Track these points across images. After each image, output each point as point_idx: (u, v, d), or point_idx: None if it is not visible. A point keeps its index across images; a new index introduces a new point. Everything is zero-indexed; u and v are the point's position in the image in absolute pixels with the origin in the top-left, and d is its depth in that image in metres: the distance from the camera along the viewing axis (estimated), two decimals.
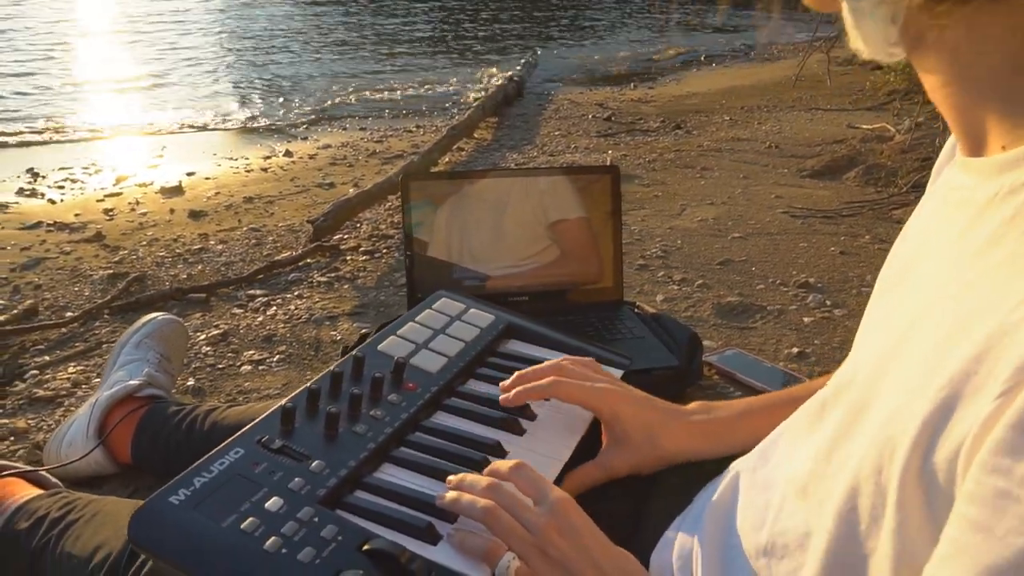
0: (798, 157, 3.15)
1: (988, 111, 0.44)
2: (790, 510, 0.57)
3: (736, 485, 0.67)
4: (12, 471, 1.07)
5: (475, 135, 3.68)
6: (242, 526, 0.63)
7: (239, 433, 0.74)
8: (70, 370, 1.54)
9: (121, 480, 1.17)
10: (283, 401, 0.78)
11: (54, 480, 1.09)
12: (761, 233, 2.25)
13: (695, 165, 3.05)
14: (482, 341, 0.98)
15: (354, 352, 0.88)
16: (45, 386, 1.48)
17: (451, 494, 0.66)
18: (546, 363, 0.84)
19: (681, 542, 0.69)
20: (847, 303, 1.73)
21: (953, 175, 0.51)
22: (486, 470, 0.68)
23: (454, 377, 0.90)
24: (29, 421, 1.35)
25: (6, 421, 1.36)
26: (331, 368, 0.85)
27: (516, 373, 0.84)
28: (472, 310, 1.04)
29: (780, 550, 0.56)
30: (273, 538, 0.62)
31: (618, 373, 0.98)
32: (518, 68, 5.12)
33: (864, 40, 0.45)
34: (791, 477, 0.58)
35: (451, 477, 0.69)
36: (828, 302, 1.78)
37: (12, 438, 1.31)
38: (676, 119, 3.96)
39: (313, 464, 0.72)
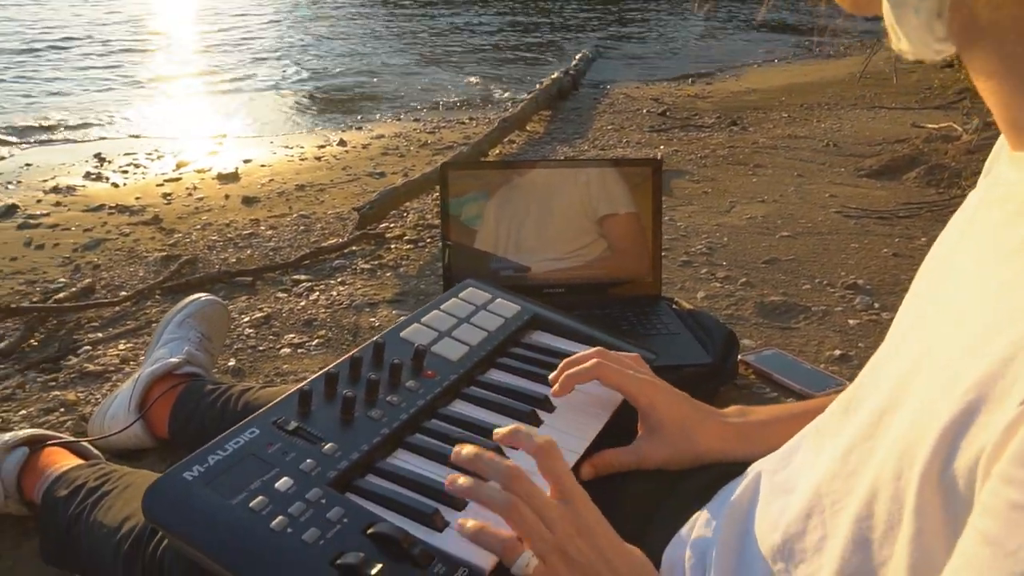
0: (857, 156, 3.06)
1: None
2: (808, 514, 0.55)
3: (756, 486, 0.66)
4: (56, 441, 1.11)
5: (527, 128, 3.67)
6: (251, 504, 0.64)
7: (256, 414, 0.76)
8: (120, 347, 1.60)
9: (159, 454, 1.21)
10: (302, 384, 0.80)
11: (95, 451, 1.13)
12: (811, 232, 2.19)
13: (748, 162, 2.99)
14: (506, 331, 0.98)
15: (375, 338, 0.89)
16: (96, 361, 1.54)
17: (466, 481, 0.63)
18: (589, 351, 0.84)
19: (696, 540, 0.68)
20: (896, 306, 1.65)
21: (1000, 170, 0.49)
22: (511, 431, 0.67)
23: (474, 366, 0.90)
24: (79, 394, 1.41)
25: (58, 393, 1.41)
26: (351, 353, 0.86)
27: (564, 361, 0.85)
28: (498, 300, 1.04)
29: (798, 554, 0.55)
30: (280, 517, 0.63)
31: None
32: (575, 62, 5.09)
33: (908, 38, 0.43)
34: (811, 480, 0.56)
35: (463, 449, 0.65)
36: (876, 304, 1.72)
37: (62, 409, 1.36)
38: (732, 115, 3.89)
39: (326, 447, 0.73)
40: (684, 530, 0.70)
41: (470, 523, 0.62)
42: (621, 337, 1.03)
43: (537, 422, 0.83)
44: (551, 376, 0.85)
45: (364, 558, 0.60)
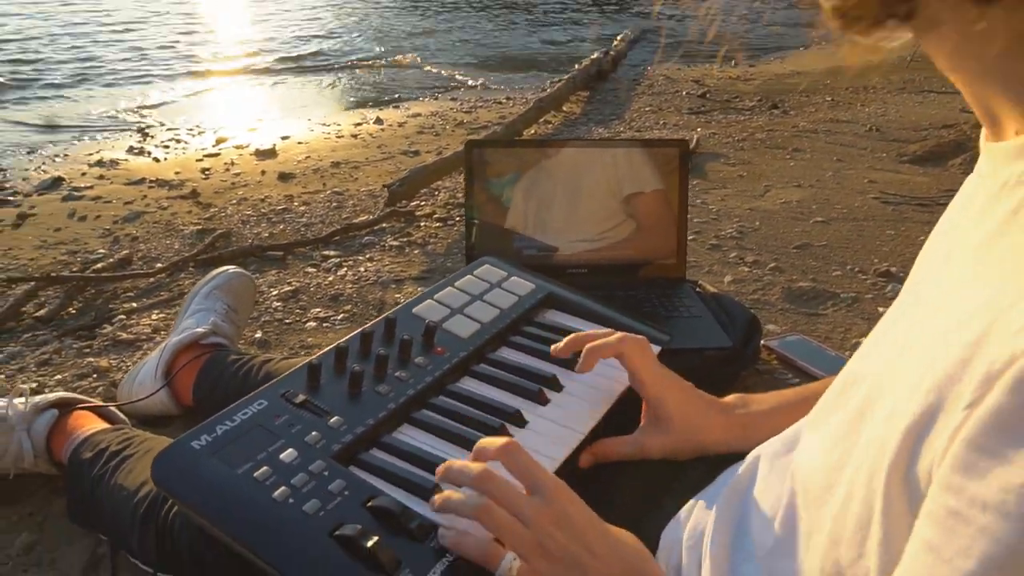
0: (900, 141, 2.98)
1: (999, 95, 0.41)
2: (795, 505, 0.55)
3: (755, 470, 0.66)
4: (84, 405, 1.15)
5: (564, 108, 3.65)
6: (255, 474, 0.66)
7: (266, 386, 0.77)
8: (153, 317, 1.64)
9: (184, 422, 1.24)
10: (311, 358, 0.81)
11: (122, 416, 1.17)
12: (846, 218, 2.15)
13: (787, 146, 2.93)
14: (518, 309, 0.98)
15: (387, 314, 0.90)
16: (129, 330, 1.58)
17: (440, 496, 0.63)
18: (606, 330, 0.84)
19: (695, 521, 0.68)
20: None
21: (980, 160, 0.47)
22: (474, 448, 0.65)
23: (485, 343, 0.91)
24: (111, 361, 1.45)
25: (92, 360, 1.46)
26: (362, 328, 0.87)
27: (571, 336, 0.84)
28: (513, 278, 1.04)
29: (784, 545, 0.55)
30: (282, 488, 0.65)
31: (656, 349, 0.96)
32: (615, 42, 5.03)
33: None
34: (802, 471, 0.56)
35: (439, 468, 0.64)
36: None
37: (95, 375, 1.40)
38: (774, 98, 3.81)
39: (332, 420, 0.74)
40: (683, 512, 0.70)
41: (449, 534, 0.61)
42: (637, 317, 1.02)
43: (544, 401, 0.83)
44: (555, 347, 0.85)
45: (362, 530, 0.61)
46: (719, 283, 1.72)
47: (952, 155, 2.72)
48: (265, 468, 0.67)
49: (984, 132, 0.46)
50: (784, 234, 2.03)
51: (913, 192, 2.37)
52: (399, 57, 5.32)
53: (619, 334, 0.81)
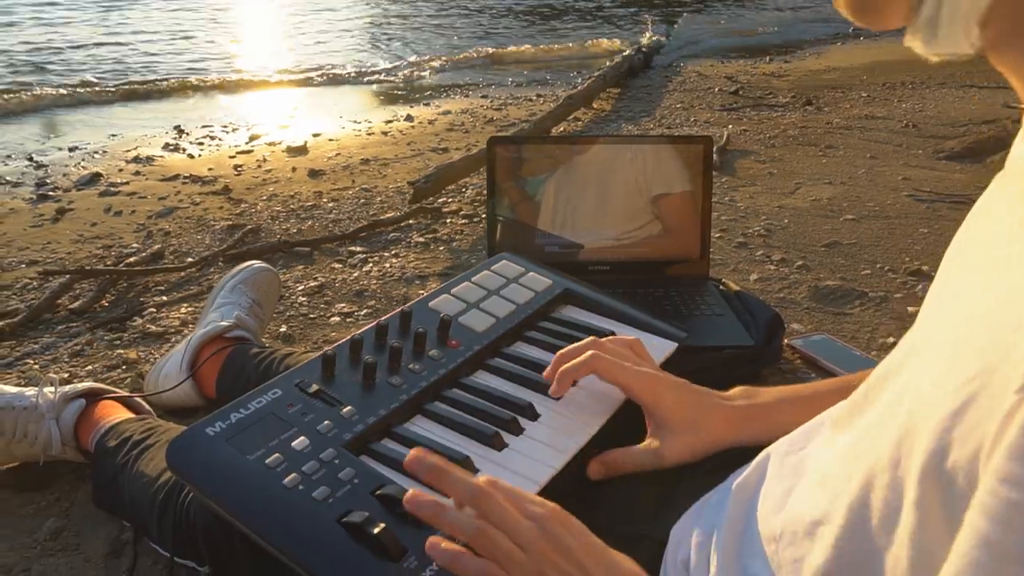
0: (937, 138, 2.91)
1: None
2: (806, 497, 0.54)
3: (764, 467, 0.65)
4: (111, 395, 1.18)
5: (594, 106, 3.63)
6: (266, 461, 0.67)
7: (280, 375, 0.79)
8: (181, 310, 1.67)
9: (207, 413, 1.26)
10: (326, 349, 0.82)
11: (147, 407, 1.19)
12: (878, 216, 2.11)
13: (819, 143, 2.88)
14: (535, 305, 0.98)
15: (403, 307, 0.91)
16: (158, 323, 1.61)
17: (431, 505, 0.57)
18: (584, 341, 0.81)
19: (704, 518, 0.67)
20: None
21: (1016, 147, 0.46)
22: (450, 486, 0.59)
23: (500, 338, 0.91)
24: (139, 353, 1.48)
25: (122, 351, 1.49)
26: (378, 320, 0.88)
27: (557, 353, 0.82)
28: (531, 274, 1.05)
29: (788, 536, 0.54)
30: (293, 475, 0.66)
31: (672, 346, 0.96)
32: (647, 38, 5.01)
33: (939, 42, 0.41)
34: (819, 465, 0.55)
35: (428, 458, 0.60)
36: None
37: (124, 366, 1.43)
38: (808, 95, 3.75)
39: (344, 410, 0.75)
40: (693, 509, 0.70)
41: (443, 545, 0.56)
42: (654, 314, 1.02)
43: (558, 396, 0.83)
44: (545, 372, 0.82)
45: (368, 517, 0.62)
46: (744, 281, 1.70)
47: (991, 151, 2.66)
48: (276, 455, 0.68)
49: None
50: (813, 232, 2.00)
51: (949, 189, 2.32)
52: (432, 59, 5.35)
53: (590, 352, 0.78)
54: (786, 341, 1.38)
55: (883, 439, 0.44)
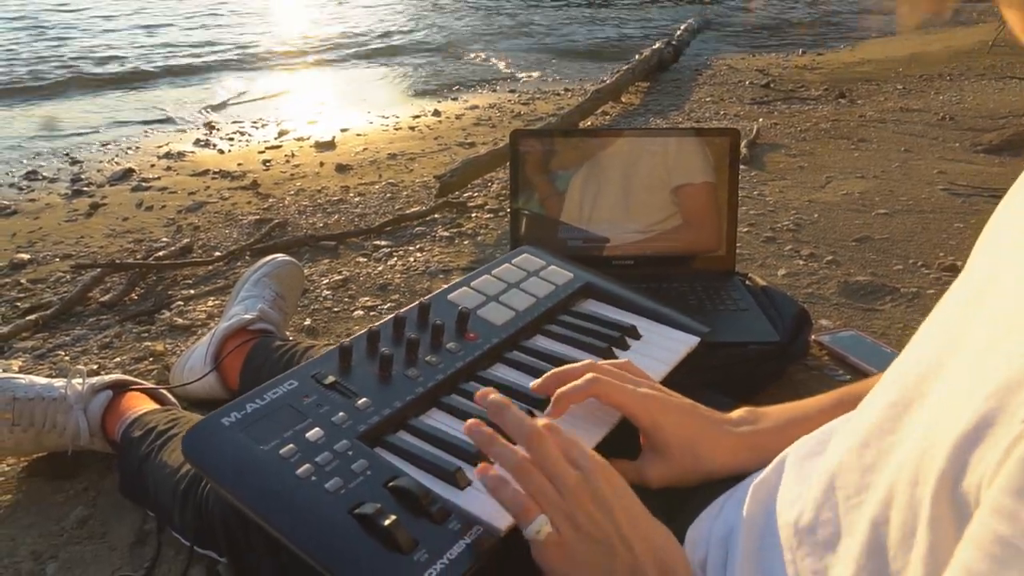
0: (975, 130, 2.84)
1: None
2: (820, 504, 0.52)
3: (782, 469, 0.63)
4: (137, 386, 1.19)
5: (623, 100, 3.61)
6: (281, 451, 0.67)
7: (297, 367, 0.79)
8: (208, 304, 1.69)
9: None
10: (344, 341, 0.82)
11: (172, 398, 1.21)
12: (911, 210, 2.06)
13: (852, 136, 2.83)
14: (555, 298, 0.97)
15: (422, 299, 0.90)
16: (185, 316, 1.63)
17: (487, 432, 0.62)
18: (579, 363, 0.77)
19: (722, 520, 0.66)
20: None
21: None
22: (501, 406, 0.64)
23: (518, 331, 0.90)
24: (166, 345, 1.50)
25: (149, 344, 1.51)
26: (396, 313, 0.87)
27: (550, 372, 0.77)
28: (551, 267, 1.04)
29: (808, 545, 0.52)
30: (306, 465, 0.66)
31: (694, 340, 0.94)
32: (678, 32, 4.95)
33: None
34: (827, 469, 0.53)
35: (491, 395, 0.64)
36: None
37: (151, 359, 1.45)
38: (840, 87, 3.69)
39: (360, 401, 0.75)
40: (712, 507, 0.68)
41: (491, 472, 0.61)
42: (676, 308, 1.00)
43: None
44: (534, 384, 0.77)
45: (380, 509, 0.61)
46: (772, 276, 1.67)
47: None
48: (291, 446, 0.68)
49: None
50: (843, 226, 1.97)
51: (986, 183, 2.26)
52: (461, 50, 5.35)
53: (590, 375, 0.73)
54: (814, 337, 1.35)
55: (901, 453, 0.42)
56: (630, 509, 0.59)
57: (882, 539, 0.42)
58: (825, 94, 3.59)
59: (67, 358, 1.48)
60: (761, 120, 3.08)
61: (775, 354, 1.22)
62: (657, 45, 4.41)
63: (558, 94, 3.97)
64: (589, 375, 0.74)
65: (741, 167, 2.27)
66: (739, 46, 5.33)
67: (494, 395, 0.64)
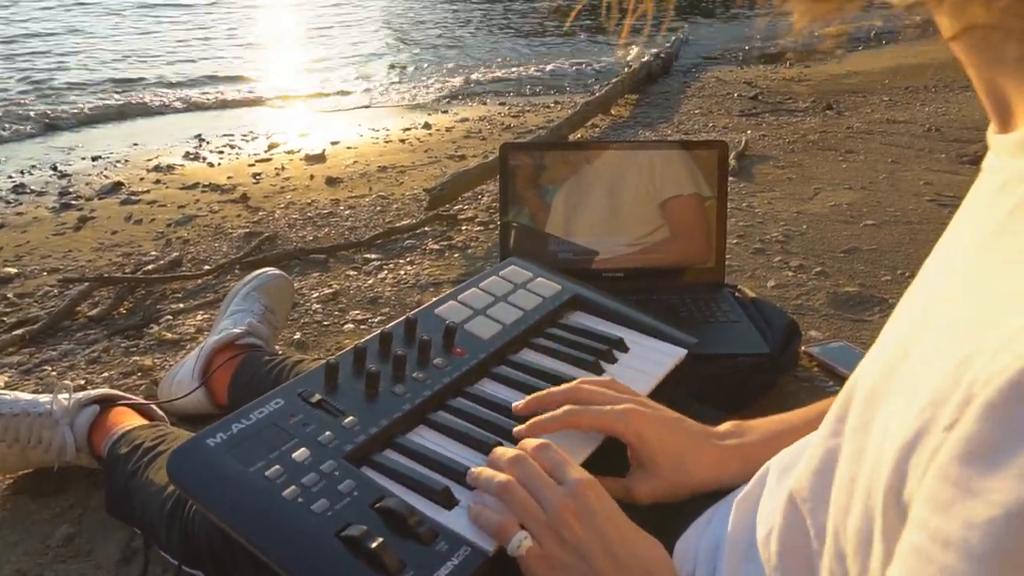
0: (961, 141, 2.87)
1: (1016, 81, 0.38)
2: (793, 515, 0.53)
3: (764, 481, 0.63)
4: (125, 401, 1.18)
5: (612, 112, 3.62)
6: (267, 473, 0.67)
7: (284, 384, 0.78)
8: (197, 318, 1.68)
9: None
10: (331, 357, 0.82)
11: (160, 414, 1.20)
12: (899, 221, 2.08)
13: (839, 148, 2.85)
14: (542, 311, 0.97)
15: (408, 314, 0.90)
16: (174, 330, 1.62)
17: (476, 468, 0.67)
18: (561, 387, 0.76)
19: (708, 534, 0.66)
20: None
21: (988, 155, 0.44)
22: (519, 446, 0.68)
23: (506, 345, 0.90)
24: (155, 360, 1.49)
25: (137, 358, 1.50)
26: (383, 328, 0.87)
27: (532, 396, 0.77)
28: (539, 279, 1.04)
29: (786, 557, 0.53)
30: (292, 487, 0.65)
31: (682, 352, 0.94)
32: (667, 44, 4.98)
33: None
34: (797, 482, 0.54)
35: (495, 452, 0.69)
36: None
37: (139, 373, 1.45)
38: (828, 99, 3.71)
39: (346, 420, 0.74)
40: (700, 520, 0.68)
41: (474, 506, 0.64)
42: (664, 320, 1.00)
43: None
44: (516, 406, 0.77)
45: (367, 531, 0.61)
46: (762, 288, 1.68)
47: None
48: (277, 467, 0.67)
49: (992, 124, 0.43)
50: (832, 238, 1.98)
51: None
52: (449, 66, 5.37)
53: (565, 408, 0.73)
54: (803, 348, 1.36)
55: (854, 461, 0.42)
56: (616, 524, 0.60)
57: (842, 550, 0.42)
58: (813, 106, 3.62)
59: (54, 373, 1.47)
60: (750, 132, 3.10)
61: (765, 366, 1.23)
62: (646, 58, 4.44)
63: (548, 107, 3.98)
64: (564, 408, 0.73)
65: (730, 179, 2.28)
66: (728, 57, 5.36)
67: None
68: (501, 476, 0.63)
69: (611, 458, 0.75)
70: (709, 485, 0.71)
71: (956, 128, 3.08)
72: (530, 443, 0.66)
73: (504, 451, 0.67)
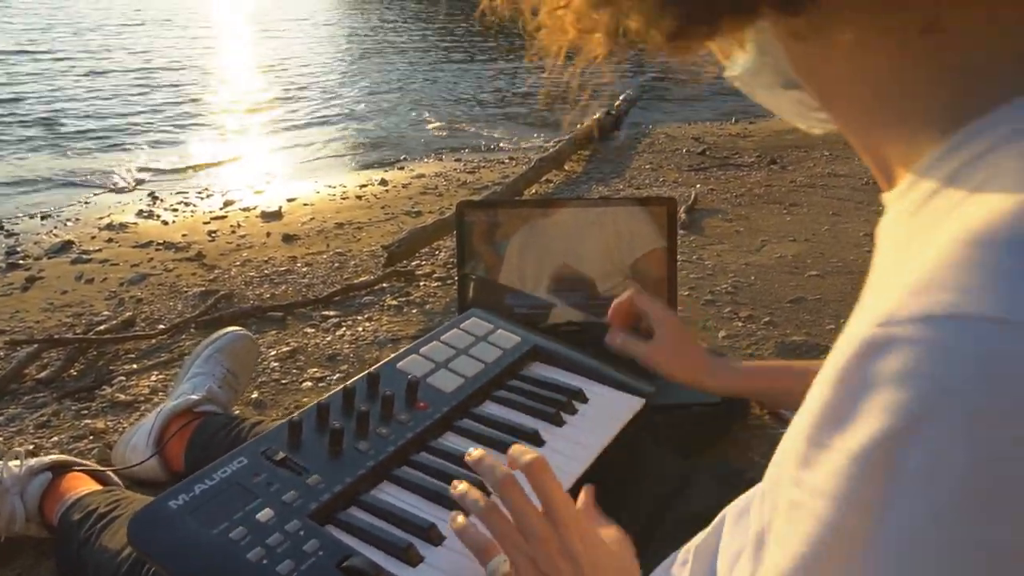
0: None
1: (887, 135, 0.41)
2: (745, 562, 0.55)
3: (720, 528, 0.66)
4: (79, 467, 1.16)
5: (566, 167, 3.71)
6: (231, 534, 0.67)
7: (246, 443, 0.78)
8: (152, 378, 1.66)
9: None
10: (293, 415, 0.82)
11: (116, 478, 1.18)
12: (841, 271, 2.16)
13: (784, 201, 2.96)
14: (503, 363, 0.99)
15: (370, 369, 0.91)
16: (127, 391, 1.60)
17: (463, 484, 0.66)
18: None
19: (704, 544, 0.68)
20: None
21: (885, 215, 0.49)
22: (508, 453, 0.65)
23: (468, 398, 0.92)
24: (108, 423, 1.46)
25: (89, 422, 1.47)
26: (345, 384, 0.88)
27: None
28: (499, 331, 1.06)
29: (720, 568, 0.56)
30: (257, 548, 0.65)
31: (640, 402, 0.97)
32: (617, 102, 5.14)
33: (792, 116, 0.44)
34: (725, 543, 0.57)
35: (474, 451, 0.68)
36: None
37: (91, 437, 1.42)
38: (772, 154, 3.86)
39: (310, 478, 0.75)
40: (664, 563, 0.70)
41: (459, 519, 0.65)
42: (621, 370, 1.03)
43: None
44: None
45: None
46: (713, 339, 1.73)
47: None
48: (240, 528, 0.67)
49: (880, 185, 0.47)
50: (779, 288, 2.04)
51: None
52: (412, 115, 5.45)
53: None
54: None
55: (758, 508, 0.45)
56: (597, 557, 0.61)
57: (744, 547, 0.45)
58: (758, 160, 3.76)
59: (1, 439, 1.43)
60: (699, 186, 3.20)
61: (718, 414, 1.26)
62: (597, 115, 4.57)
63: (502, 163, 4.06)
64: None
65: (681, 232, 2.35)
66: (676, 115, 5.55)
67: (476, 451, 0.68)
68: (484, 499, 0.63)
69: (603, 474, 0.79)
70: (698, 376, 0.95)
71: None
72: (528, 454, 0.64)
73: (494, 465, 0.65)
